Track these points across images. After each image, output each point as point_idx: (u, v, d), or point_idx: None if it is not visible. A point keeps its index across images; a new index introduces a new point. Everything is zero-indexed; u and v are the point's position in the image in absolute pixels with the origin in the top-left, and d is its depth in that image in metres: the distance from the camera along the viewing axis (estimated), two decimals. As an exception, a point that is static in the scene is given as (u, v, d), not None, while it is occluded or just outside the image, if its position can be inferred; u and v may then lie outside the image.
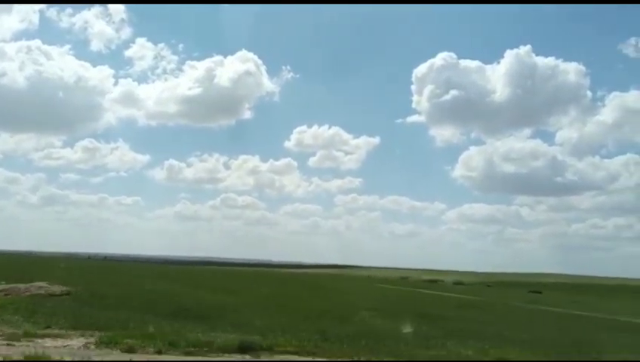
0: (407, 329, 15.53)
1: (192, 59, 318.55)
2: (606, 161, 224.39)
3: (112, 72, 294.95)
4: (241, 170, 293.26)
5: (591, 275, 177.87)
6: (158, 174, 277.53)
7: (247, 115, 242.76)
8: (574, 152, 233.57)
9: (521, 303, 40.70)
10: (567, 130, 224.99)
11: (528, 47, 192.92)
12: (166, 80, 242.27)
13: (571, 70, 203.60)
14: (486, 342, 13.24)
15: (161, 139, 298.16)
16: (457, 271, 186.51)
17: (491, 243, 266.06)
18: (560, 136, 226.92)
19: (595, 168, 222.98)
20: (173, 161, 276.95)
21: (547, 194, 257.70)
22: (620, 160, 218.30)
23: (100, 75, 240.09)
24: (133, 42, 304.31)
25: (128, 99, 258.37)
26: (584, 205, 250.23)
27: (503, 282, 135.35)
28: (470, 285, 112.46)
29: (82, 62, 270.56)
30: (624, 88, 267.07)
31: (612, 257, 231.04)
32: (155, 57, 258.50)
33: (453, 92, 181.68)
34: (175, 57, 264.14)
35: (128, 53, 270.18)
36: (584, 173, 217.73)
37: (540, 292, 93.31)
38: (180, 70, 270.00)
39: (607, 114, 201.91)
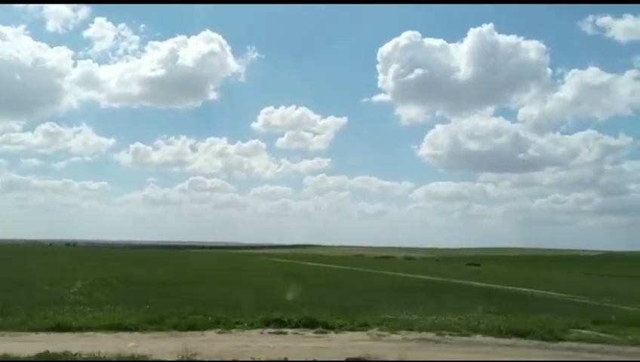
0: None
1: (155, 39, 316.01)
2: (566, 137, 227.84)
3: (71, 52, 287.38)
4: (208, 153, 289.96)
5: (554, 248, 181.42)
6: (124, 158, 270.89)
7: (213, 96, 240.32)
8: (536, 129, 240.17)
9: (409, 274, 41.22)
10: (529, 107, 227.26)
11: (490, 25, 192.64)
12: (128, 61, 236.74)
13: (532, 48, 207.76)
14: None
15: (125, 121, 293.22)
16: (423, 248, 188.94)
17: (458, 220, 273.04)
18: (522, 113, 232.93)
19: (555, 144, 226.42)
20: (139, 145, 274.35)
21: (510, 170, 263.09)
22: (579, 136, 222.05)
23: (58, 56, 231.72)
24: (92, 22, 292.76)
25: (89, 81, 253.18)
26: (546, 181, 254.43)
27: (455, 257, 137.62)
28: (420, 260, 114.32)
29: (39, 43, 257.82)
30: (583, 65, 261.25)
31: (573, 230, 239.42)
32: (116, 38, 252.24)
33: (418, 71, 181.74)
34: (136, 38, 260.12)
35: (87, 33, 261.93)
36: (545, 149, 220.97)
37: (479, 265, 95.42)
38: (142, 51, 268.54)
39: (566, 91, 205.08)
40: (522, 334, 11.13)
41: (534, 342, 10.64)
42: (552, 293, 26.69)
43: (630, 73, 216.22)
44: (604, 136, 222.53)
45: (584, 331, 12.84)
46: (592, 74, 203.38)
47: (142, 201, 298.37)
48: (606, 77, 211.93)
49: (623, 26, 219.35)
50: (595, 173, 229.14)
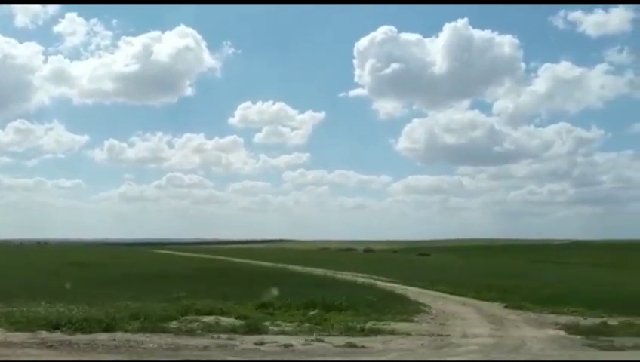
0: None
1: (128, 34, 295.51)
2: (540, 129, 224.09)
3: (41, 48, 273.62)
4: (185, 149, 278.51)
5: (531, 238, 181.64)
6: (99, 155, 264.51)
7: (189, 91, 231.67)
8: (510, 122, 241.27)
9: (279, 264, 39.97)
10: (503, 100, 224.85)
11: (465, 20, 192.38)
12: (100, 56, 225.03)
13: (506, 43, 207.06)
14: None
15: (99, 118, 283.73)
16: (402, 241, 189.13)
17: (436, 213, 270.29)
18: (497, 106, 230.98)
19: (530, 137, 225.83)
20: (113, 141, 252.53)
21: (487, 163, 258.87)
22: (552, 128, 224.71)
23: (27, 51, 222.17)
24: (63, 17, 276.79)
25: (60, 77, 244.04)
26: (521, 173, 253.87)
27: (423, 248, 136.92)
28: (379, 252, 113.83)
29: (7, 39, 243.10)
30: (555, 59, 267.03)
31: (549, 221, 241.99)
32: (88, 33, 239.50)
33: (394, 65, 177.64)
34: (109, 33, 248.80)
35: (57, 28, 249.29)
36: (520, 142, 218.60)
37: (429, 255, 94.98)
38: (115, 46, 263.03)
39: (540, 84, 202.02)
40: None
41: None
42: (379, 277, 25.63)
43: (601, 67, 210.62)
44: (576, 129, 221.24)
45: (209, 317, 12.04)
46: (565, 68, 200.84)
47: (118, 199, 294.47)
48: (578, 71, 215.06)
49: (593, 20, 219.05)
50: (568, 164, 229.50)
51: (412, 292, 19.58)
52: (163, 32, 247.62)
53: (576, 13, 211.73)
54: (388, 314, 13.39)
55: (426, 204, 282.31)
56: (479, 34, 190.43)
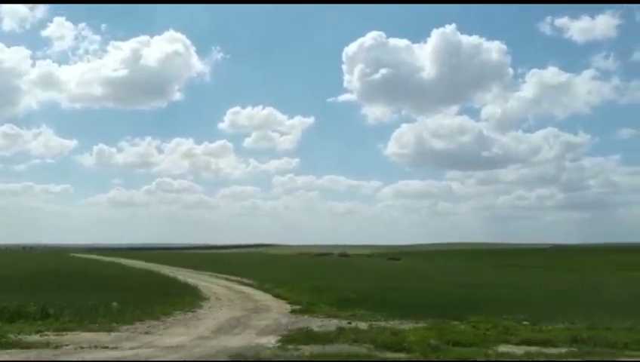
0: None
1: (117, 39, 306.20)
2: (528, 135, 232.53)
3: (29, 52, 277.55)
4: (175, 154, 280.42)
5: (519, 242, 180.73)
6: (87, 160, 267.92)
7: (178, 96, 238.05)
8: (498, 127, 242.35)
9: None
10: (491, 106, 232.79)
11: (453, 26, 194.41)
12: (89, 61, 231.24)
13: (494, 48, 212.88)
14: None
15: (87, 123, 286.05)
16: (392, 245, 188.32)
17: (425, 217, 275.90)
18: (485, 112, 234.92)
19: (518, 142, 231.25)
20: (102, 146, 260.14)
21: (475, 168, 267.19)
22: (540, 134, 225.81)
23: (15, 56, 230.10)
24: (51, 21, 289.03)
25: (48, 82, 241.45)
26: (509, 178, 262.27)
27: (400, 252, 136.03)
28: (353, 256, 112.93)
29: None
30: (542, 65, 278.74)
31: (537, 225, 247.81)
32: (76, 37, 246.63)
33: (383, 70, 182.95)
34: (97, 37, 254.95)
35: (45, 32, 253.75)
36: (508, 147, 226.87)
37: (399, 259, 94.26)
38: (104, 51, 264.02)
39: (527, 90, 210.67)
40: None
41: None
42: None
43: (587, 73, 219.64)
44: (564, 134, 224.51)
45: None
46: (552, 73, 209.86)
47: (107, 204, 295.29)
48: (565, 76, 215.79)
49: (579, 26, 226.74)
50: (556, 169, 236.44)
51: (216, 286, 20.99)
52: (152, 36, 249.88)
53: (562, 19, 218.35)
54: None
55: (415, 209, 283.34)
56: (467, 39, 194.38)
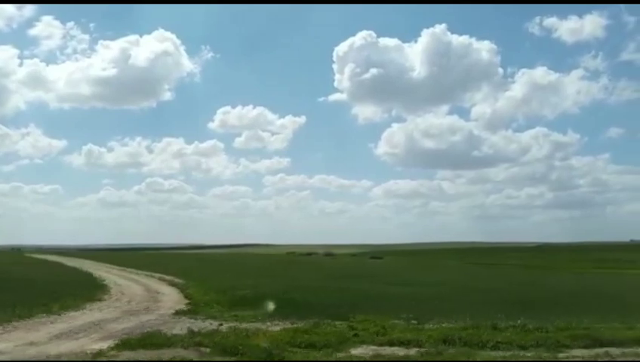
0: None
1: (105, 38, 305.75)
2: (517, 134, 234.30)
3: (17, 51, 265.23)
4: (165, 153, 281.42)
5: (509, 241, 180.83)
6: (77, 160, 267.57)
7: (168, 96, 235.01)
8: (488, 127, 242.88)
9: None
10: (481, 105, 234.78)
11: (444, 25, 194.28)
12: (77, 60, 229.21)
13: (483, 48, 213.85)
14: None
15: (76, 123, 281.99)
16: (382, 244, 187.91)
17: (416, 217, 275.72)
18: (475, 111, 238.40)
19: (507, 141, 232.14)
20: (92, 146, 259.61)
21: (465, 167, 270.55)
22: (530, 133, 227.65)
23: (2, 55, 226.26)
24: (38, 20, 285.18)
25: (36, 81, 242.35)
26: (499, 177, 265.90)
27: (392, 251, 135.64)
28: (339, 256, 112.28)
29: None
30: (532, 65, 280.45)
31: (527, 224, 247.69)
32: (64, 36, 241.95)
33: (373, 70, 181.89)
34: (86, 36, 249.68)
35: (33, 32, 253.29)
36: (498, 146, 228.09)
37: (381, 258, 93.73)
38: (93, 50, 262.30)
39: (517, 90, 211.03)
40: None
41: None
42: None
43: (576, 73, 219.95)
44: (553, 133, 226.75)
45: None
46: (541, 73, 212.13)
47: (97, 204, 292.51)
48: (554, 76, 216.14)
49: (567, 27, 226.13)
50: (545, 168, 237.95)
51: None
52: (141, 35, 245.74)
53: (551, 19, 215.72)
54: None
55: (406, 208, 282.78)
56: (457, 39, 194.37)
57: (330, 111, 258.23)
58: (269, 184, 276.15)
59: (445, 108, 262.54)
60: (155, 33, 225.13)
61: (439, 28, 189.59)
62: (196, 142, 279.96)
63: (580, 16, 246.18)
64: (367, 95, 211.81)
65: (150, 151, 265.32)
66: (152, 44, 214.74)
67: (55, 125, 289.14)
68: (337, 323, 12.44)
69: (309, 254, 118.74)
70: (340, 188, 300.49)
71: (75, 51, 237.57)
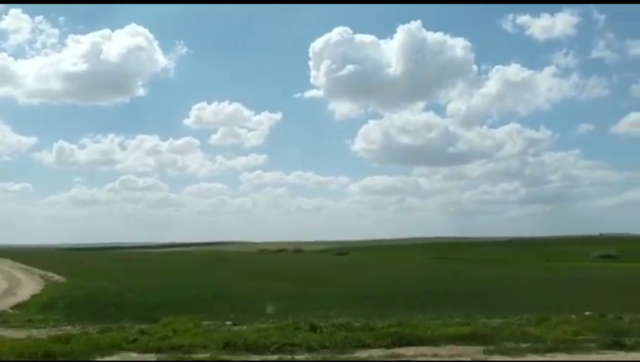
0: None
1: (76, 32, 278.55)
2: (492, 130, 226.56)
3: None
4: (139, 151, 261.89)
5: (484, 236, 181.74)
6: (47, 157, 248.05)
7: (141, 92, 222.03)
8: (464, 123, 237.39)
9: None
10: (456, 102, 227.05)
11: (419, 22, 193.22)
12: (47, 55, 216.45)
13: (458, 45, 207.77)
14: None
15: (47, 119, 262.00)
16: (358, 241, 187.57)
17: (393, 213, 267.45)
18: (450, 108, 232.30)
19: (482, 138, 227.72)
20: (63, 143, 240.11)
21: (441, 164, 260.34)
22: (504, 129, 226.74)
23: None
24: (6, 14, 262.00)
25: (4, 76, 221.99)
26: (475, 173, 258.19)
27: (365, 247, 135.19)
28: (308, 252, 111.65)
29: None
30: (505, 62, 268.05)
31: (502, 219, 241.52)
32: (33, 30, 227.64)
33: (350, 67, 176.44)
34: (56, 31, 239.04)
35: (0, 25, 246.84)
36: (473, 142, 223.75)
37: (346, 254, 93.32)
38: (63, 44, 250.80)
39: (491, 86, 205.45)
40: None
41: None
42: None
43: (548, 70, 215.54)
44: (526, 130, 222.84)
45: None
46: (514, 70, 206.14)
47: (69, 202, 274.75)
48: (527, 73, 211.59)
49: (539, 24, 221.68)
50: (519, 164, 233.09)
51: None
52: (113, 30, 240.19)
53: (524, 17, 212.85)
54: None
55: (383, 205, 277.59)
56: (432, 36, 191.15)
57: (306, 108, 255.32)
58: (245, 181, 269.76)
59: (421, 104, 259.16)
60: (128, 28, 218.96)
61: (414, 24, 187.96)
62: (171, 138, 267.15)
63: (552, 14, 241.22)
64: (343, 91, 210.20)
65: (123, 148, 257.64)
66: (125, 39, 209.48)
67: (24, 121, 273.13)
68: (143, 326, 11.16)
69: (280, 251, 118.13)
70: (317, 185, 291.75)
71: (44, 46, 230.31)
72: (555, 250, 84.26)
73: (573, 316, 12.35)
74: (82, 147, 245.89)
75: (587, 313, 12.87)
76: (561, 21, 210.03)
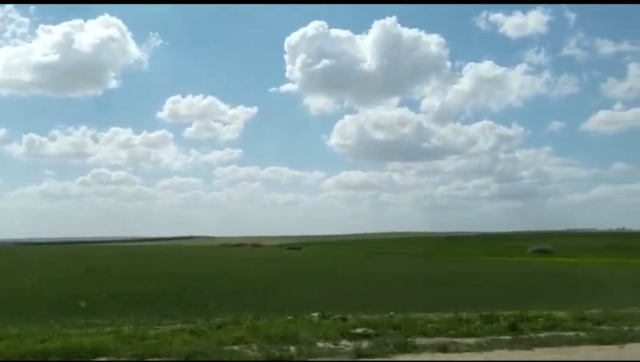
0: None
1: (47, 22, 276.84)
2: (465, 126, 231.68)
3: None
4: (112, 143, 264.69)
5: (456, 231, 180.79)
6: (17, 149, 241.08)
7: (114, 84, 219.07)
8: (437, 119, 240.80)
9: None
10: (430, 98, 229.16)
11: (394, 18, 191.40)
12: (16, 45, 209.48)
13: (432, 42, 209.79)
14: None
15: (16, 110, 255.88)
16: (333, 235, 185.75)
17: (368, 208, 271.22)
18: (424, 104, 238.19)
19: (456, 134, 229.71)
20: (33, 135, 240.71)
21: (415, 159, 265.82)
22: (477, 126, 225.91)
23: None
24: None
25: None
26: (448, 168, 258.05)
27: (327, 242, 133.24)
28: (266, 247, 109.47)
29: None
30: (478, 59, 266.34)
31: (475, 214, 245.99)
32: (2, 20, 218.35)
33: (325, 61, 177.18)
34: (26, 20, 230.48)
35: None
36: (447, 138, 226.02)
37: (299, 249, 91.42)
38: (33, 34, 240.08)
39: (465, 83, 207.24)
40: None
41: None
42: None
43: (520, 67, 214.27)
44: (498, 126, 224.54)
45: None
46: (487, 67, 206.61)
47: (39, 196, 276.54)
48: (499, 70, 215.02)
49: (512, 22, 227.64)
50: (491, 160, 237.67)
51: None
52: (85, 20, 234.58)
53: (497, 15, 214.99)
54: None
55: (358, 200, 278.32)
56: (407, 32, 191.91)
57: (281, 102, 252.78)
58: (220, 175, 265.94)
59: (396, 100, 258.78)
60: (101, 18, 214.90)
61: (390, 20, 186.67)
62: (145, 131, 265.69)
63: (525, 12, 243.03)
64: (318, 86, 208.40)
65: (96, 141, 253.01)
66: (98, 30, 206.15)
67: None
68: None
69: (238, 246, 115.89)
70: (292, 180, 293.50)
71: (14, 35, 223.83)
72: (511, 245, 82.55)
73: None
74: (53, 139, 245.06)
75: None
76: (533, 19, 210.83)
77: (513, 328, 8.18)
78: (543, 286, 24.09)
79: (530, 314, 9.38)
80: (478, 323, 8.64)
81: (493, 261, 49.14)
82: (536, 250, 60.71)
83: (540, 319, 9.09)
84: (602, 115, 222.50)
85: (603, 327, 8.64)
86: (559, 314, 9.68)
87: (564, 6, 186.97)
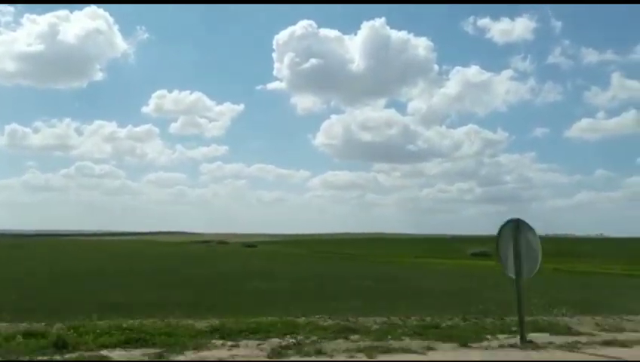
0: None
1: (32, 12, 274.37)
2: (451, 130, 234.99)
3: None
4: (96, 136, 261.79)
5: (440, 234, 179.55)
6: None
7: (99, 76, 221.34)
8: (424, 122, 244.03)
9: None
10: (417, 101, 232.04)
11: (383, 19, 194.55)
12: (0, 34, 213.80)
13: (420, 44, 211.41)
14: None
15: None
16: (318, 234, 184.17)
17: (353, 208, 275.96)
18: (411, 106, 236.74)
19: (441, 137, 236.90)
20: (15, 126, 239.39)
21: (401, 161, 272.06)
22: (462, 130, 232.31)
23: None
24: None
25: None
26: (432, 171, 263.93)
27: (313, 241, 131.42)
28: (231, 245, 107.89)
29: None
30: (465, 63, 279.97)
31: (458, 217, 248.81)
32: None
33: (313, 60, 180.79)
34: (10, 9, 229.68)
35: None
36: (432, 141, 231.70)
37: (255, 246, 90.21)
38: (18, 24, 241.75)
39: (451, 87, 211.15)
40: None
41: None
42: None
43: (506, 73, 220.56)
44: (483, 131, 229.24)
45: None
46: (474, 72, 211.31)
47: (21, 188, 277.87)
48: (486, 75, 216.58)
49: (499, 28, 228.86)
50: (476, 164, 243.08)
51: None
52: (71, 11, 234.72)
53: (484, 20, 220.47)
54: None
55: (343, 200, 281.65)
56: (396, 34, 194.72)
57: (269, 100, 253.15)
58: (206, 172, 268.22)
59: (383, 101, 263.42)
60: (87, 10, 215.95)
61: (379, 21, 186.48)
62: (130, 125, 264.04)
63: (512, 18, 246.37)
64: (306, 85, 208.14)
65: (80, 133, 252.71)
66: (83, 21, 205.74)
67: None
68: None
69: (205, 242, 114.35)
70: (278, 178, 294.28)
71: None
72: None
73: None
74: (36, 131, 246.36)
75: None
76: (520, 25, 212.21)
77: None
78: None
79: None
80: None
81: (418, 263, 47.41)
82: (475, 252, 59.05)
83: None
84: (585, 122, 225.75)
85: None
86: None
87: (550, 13, 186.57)
